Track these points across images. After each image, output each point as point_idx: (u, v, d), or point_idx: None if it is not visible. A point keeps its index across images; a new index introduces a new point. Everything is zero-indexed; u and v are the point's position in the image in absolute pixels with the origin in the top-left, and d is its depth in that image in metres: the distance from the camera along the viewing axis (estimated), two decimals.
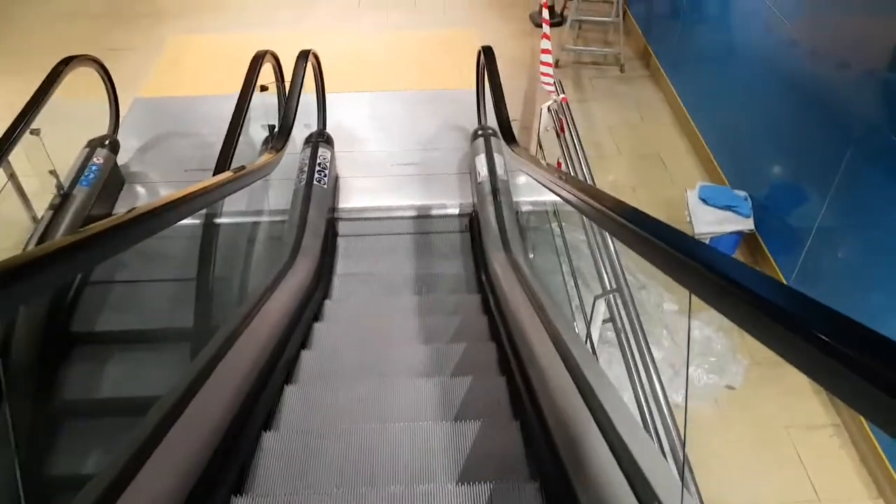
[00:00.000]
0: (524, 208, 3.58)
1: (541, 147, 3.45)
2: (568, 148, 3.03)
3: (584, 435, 1.27)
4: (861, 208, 2.71)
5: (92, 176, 3.18)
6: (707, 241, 3.40)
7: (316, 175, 3.27)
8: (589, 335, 2.30)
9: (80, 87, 3.46)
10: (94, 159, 3.26)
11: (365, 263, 3.35)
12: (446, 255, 3.42)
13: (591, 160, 3.09)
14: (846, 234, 2.84)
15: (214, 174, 2.42)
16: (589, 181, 2.74)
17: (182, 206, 1.55)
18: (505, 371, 2.06)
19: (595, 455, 1.21)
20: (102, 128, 3.58)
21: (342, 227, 3.51)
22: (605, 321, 2.32)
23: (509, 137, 3.08)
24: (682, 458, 1.62)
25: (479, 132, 3.69)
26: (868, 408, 0.54)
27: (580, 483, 1.26)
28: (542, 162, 3.14)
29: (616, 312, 2.28)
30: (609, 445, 1.18)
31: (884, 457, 2.59)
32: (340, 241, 3.44)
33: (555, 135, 3.23)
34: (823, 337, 0.57)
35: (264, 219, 3.36)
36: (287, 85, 3.31)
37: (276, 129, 3.15)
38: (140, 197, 3.56)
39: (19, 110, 2.70)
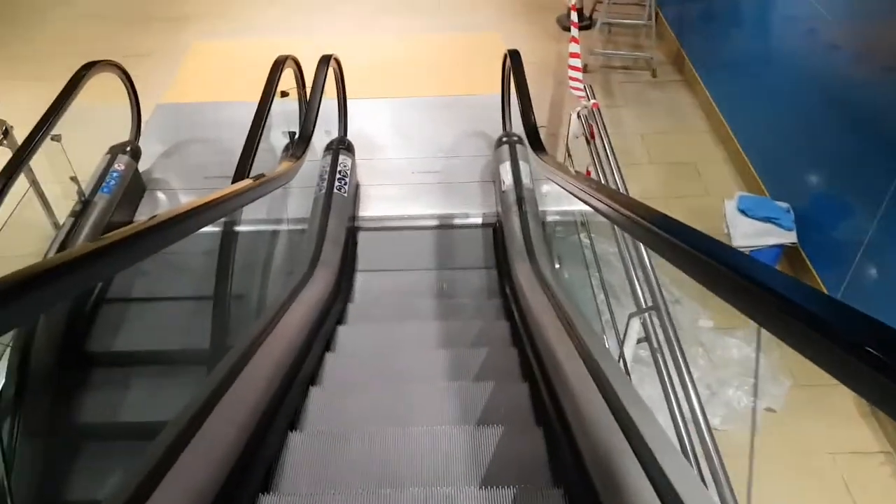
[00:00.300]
0: (549, 218, 3.45)
1: (569, 155, 3.32)
2: (599, 156, 2.89)
3: (628, 476, 1.15)
4: None
5: (113, 183, 3.15)
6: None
7: (336, 183, 3.19)
8: (622, 355, 2.17)
9: (104, 92, 3.44)
10: (116, 166, 3.23)
11: (385, 274, 3.25)
12: (468, 266, 3.30)
13: (622, 169, 2.95)
14: None
15: (233, 182, 2.35)
16: (622, 191, 2.60)
17: (199, 215, 1.49)
18: (530, 384, 1.95)
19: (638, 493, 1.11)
20: (125, 134, 3.55)
21: (362, 237, 3.42)
22: (639, 340, 2.19)
23: (537, 145, 2.96)
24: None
25: (504, 139, 3.58)
26: None
27: None
28: (571, 170, 3.01)
29: (652, 331, 2.14)
30: (650, 479, 1.08)
31: None
32: (360, 251, 3.36)
33: (584, 142, 3.10)
34: None
35: (284, 227, 3.29)
36: (308, 91, 3.24)
37: (296, 136, 3.08)
38: (161, 204, 3.53)
39: None
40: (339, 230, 3.02)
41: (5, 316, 0.80)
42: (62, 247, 2.80)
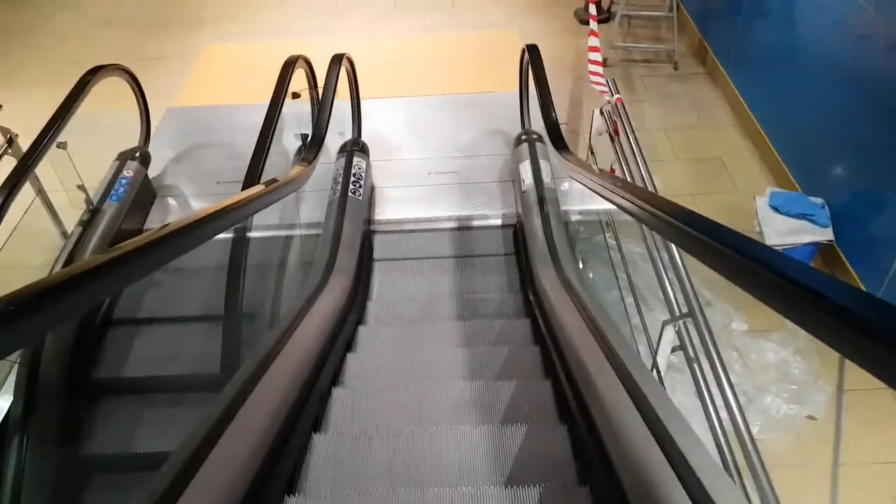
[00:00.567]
0: (572, 218, 3.32)
1: (592, 152, 3.18)
2: (624, 153, 2.75)
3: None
4: None
5: (122, 190, 3.07)
6: None
7: (351, 186, 3.09)
8: (655, 364, 2.04)
9: (114, 97, 3.38)
10: (125, 172, 3.15)
11: (402, 277, 3.14)
12: (488, 270, 3.18)
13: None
14: None
15: (243, 188, 2.26)
16: (650, 189, 2.46)
17: (207, 225, 1.40)
18: (561, 406, 1.82)
19: None
20: (136, 139, 3.48)
21: (378, 240, 3.32)
22: (674, 349, 2.05)
23: (559, 142, 2.83)
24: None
25: (523, 137, 3.45)
26: None
27: None
28: (595, 168, 2.88)
29: (687, 339, 2.01)
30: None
31: None
32: (376, 254, 3.25)
33: (607, 139, 2.96)
34: None
35: (297, 232, 3.19)
36: (320, 91, 3.14)
37: (308, 138, 2.98)
38: (172, 210, 3.45)
39: None
40: (354, 235, 2.91)
41: (12, 336, 0.77)
42: (70, 257, 2.72)
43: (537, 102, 3.04)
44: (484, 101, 4.26)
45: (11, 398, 2.36)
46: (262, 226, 2.83)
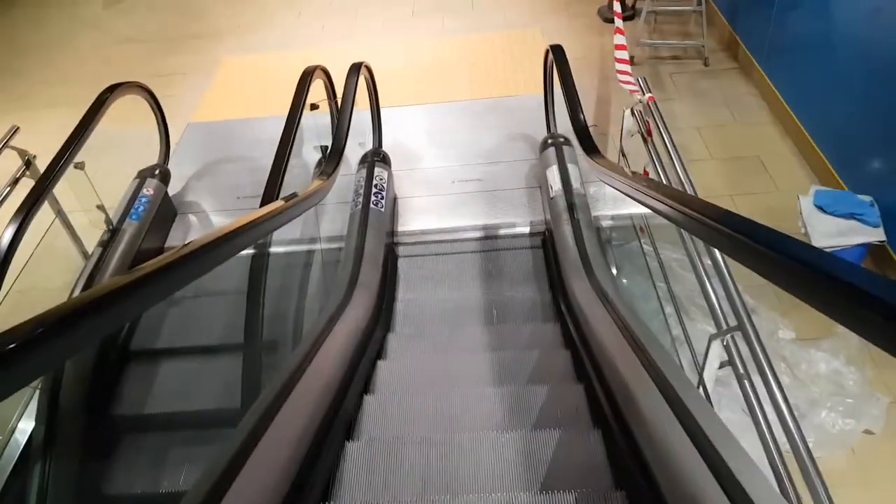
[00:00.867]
0: (603, 224, 3.18)
1: (623, 155, 3.04)
2: (658, 154, 2.61)
3: None
4: None
5: (142, 209, 3.03)
6: None
7: (373, 198, 3.00)
8: (701, 380, 1.90)
9: (134, 114, 3.35)
10: (144, 190, 3.11)
11: (427, 291, 3.03)
12: (518, 281, 3.06)
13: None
14: None
15: (261, 204, 2.18)
16: (689, 191, 2.31)
17: (225, 245, 1.34)
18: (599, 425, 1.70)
19: None
20: (156, 156, 3.45)
21: (402, 251, 3.22)
22: (721, 365, 1.90)
23: (589, 146, 2.69)
24: None
25: (550, 141, 3.32)
26: None
27: None
28: (628, 172, 2.73)
29: (735, 353, 1.86)
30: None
31: None
32: (401, 268, 3.15)
33: (639, 140, 2.82)
34: None
35: (318, 246, 3.10)
36: (339, 102, 3.06)
37: (328, 150, 2.90)
38: (193, 228, 3.40)
39: None
40: (377, 248, 2.82)
41: (31, 364, 0.75)
42: (91, 277, 2.68)
43: (562, 105, 2.91)
44: (507, 105, 4.15)
45: (34, 423, 2.33)
46: (283, 240, 2.75)
